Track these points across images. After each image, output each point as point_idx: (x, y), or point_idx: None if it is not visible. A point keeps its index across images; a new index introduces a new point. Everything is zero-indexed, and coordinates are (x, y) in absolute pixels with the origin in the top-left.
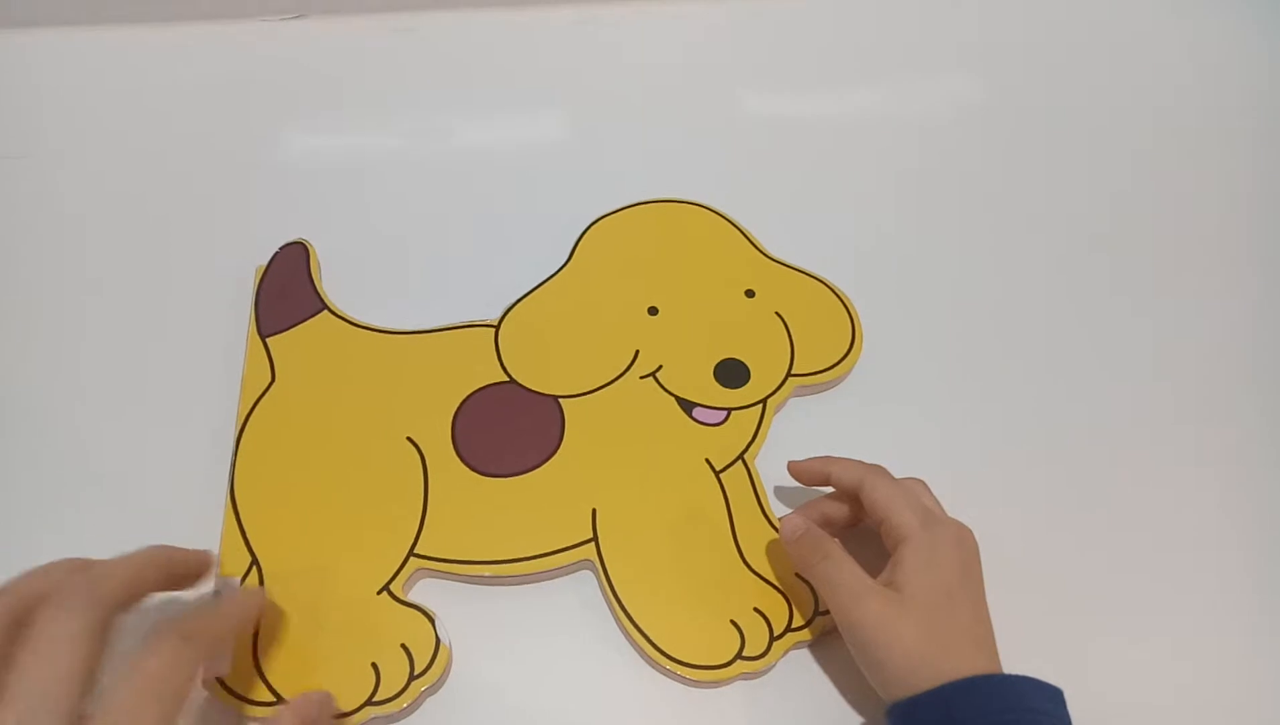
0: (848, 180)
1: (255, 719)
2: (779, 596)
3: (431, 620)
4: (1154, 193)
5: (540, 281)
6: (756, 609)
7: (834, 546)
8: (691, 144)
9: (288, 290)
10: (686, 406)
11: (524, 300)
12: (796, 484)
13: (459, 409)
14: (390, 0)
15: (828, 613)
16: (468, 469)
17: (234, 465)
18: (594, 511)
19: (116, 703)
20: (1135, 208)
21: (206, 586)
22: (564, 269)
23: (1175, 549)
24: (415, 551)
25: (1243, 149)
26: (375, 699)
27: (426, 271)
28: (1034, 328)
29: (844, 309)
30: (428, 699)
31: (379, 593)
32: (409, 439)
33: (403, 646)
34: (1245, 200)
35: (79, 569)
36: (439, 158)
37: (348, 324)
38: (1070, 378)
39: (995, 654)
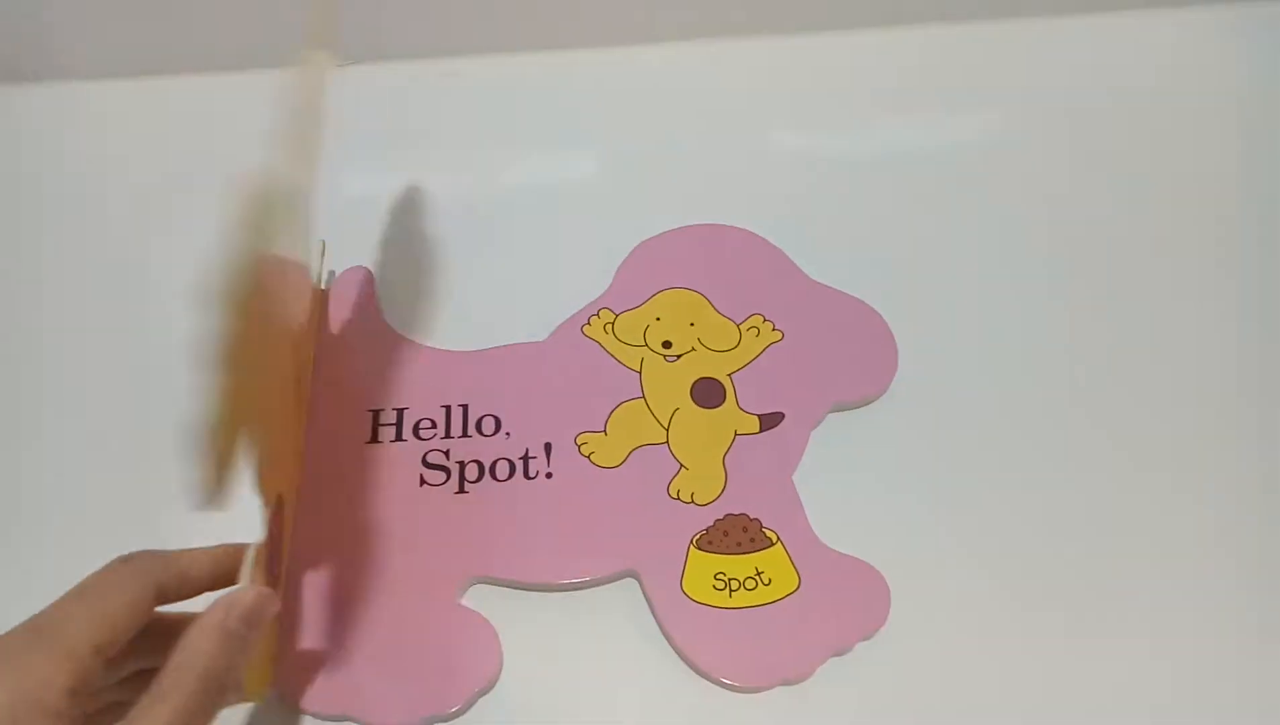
0: (879, 215)
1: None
2: None
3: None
4: (1186, 222)
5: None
6: None
7: None
8: (725, 179)
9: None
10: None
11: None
12: (835, 506)
13: None
14: (435, 46)
15: None
16: None
17: None
18: None
19: None
20: (1167, 237)
21: None
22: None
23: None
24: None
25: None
26: None
27: (470, 303)
28: (1067, 355)
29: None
30: (480, 699)
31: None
32: None
33: None
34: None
35: None
36: (483, 195)
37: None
38: (1105, 406)
39: None
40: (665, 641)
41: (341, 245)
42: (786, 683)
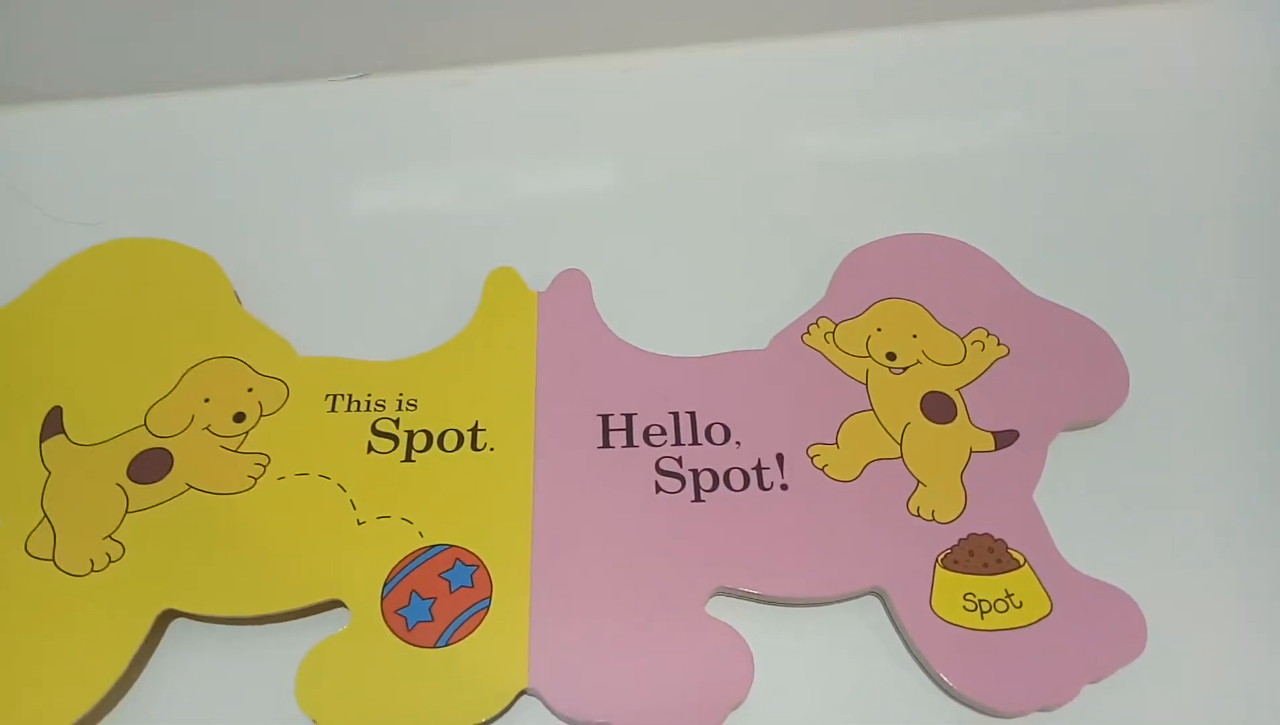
0: (902, 217)
1: None
2: None
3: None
4: (1217, 218)
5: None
6: None
7: None
8: (746, 186)
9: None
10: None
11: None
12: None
13: None
14: (447, 56)
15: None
16: None
17: None
18: None
19: None
20: (1198, 234)
21: None
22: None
23: None
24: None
25: None
26: None
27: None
28: None
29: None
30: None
31: None
32: None
33: None
34: None
35: None
36: (498, 209)
37: None
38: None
39: None
40: (913, 661)
41: (349, 267)
42: (1044, 709)
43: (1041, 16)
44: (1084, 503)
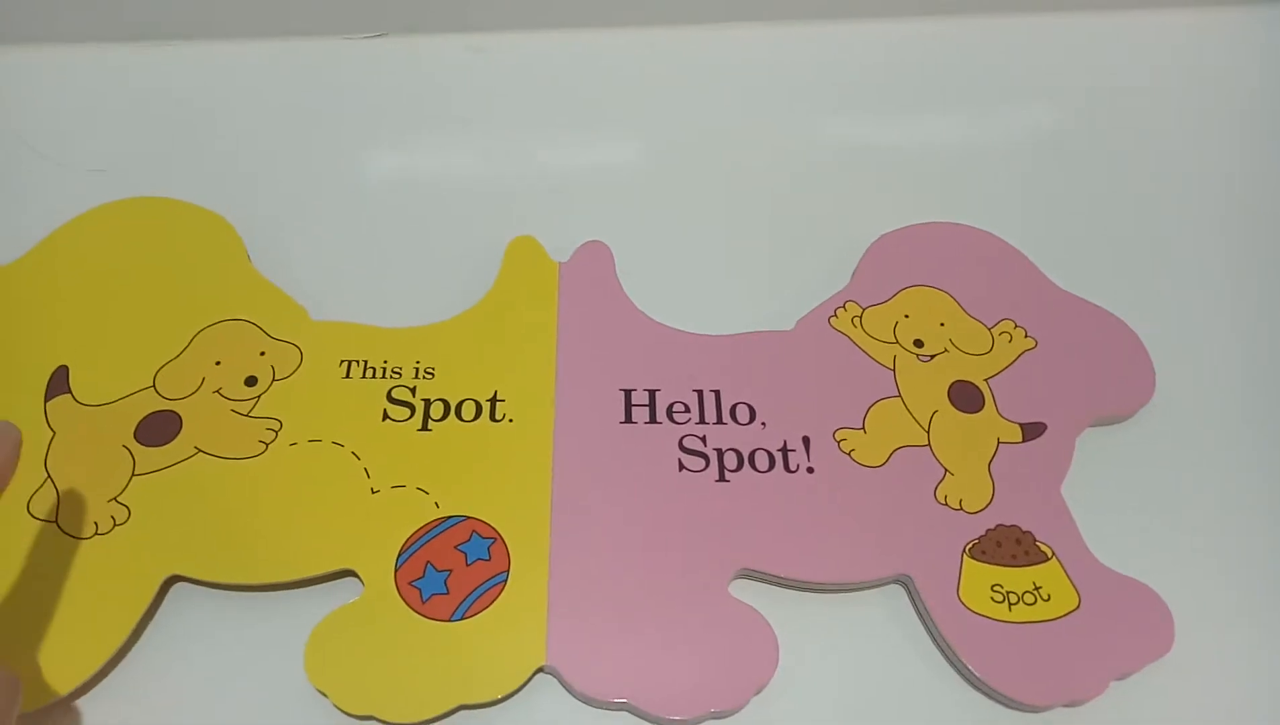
0: (929, 205)
1: None
2: None
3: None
4: (1247, 217)
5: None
6: None
7: None
8: (772, 166)
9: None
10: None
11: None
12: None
13: None
14: (465, 20)
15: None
16: None
17: None
18: None
19: None
20: (1226, 233)
21: None
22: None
23: None
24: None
25: None
26: None
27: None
28: None
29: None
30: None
31: None
32: None
33: None
34: None
35: None
36: (520, 177)
37: None
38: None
39: None
40: (936, 650)
41: (359, 230)
42: (1070, 704)
43: (1081, 14)
44: (1110, 498)
